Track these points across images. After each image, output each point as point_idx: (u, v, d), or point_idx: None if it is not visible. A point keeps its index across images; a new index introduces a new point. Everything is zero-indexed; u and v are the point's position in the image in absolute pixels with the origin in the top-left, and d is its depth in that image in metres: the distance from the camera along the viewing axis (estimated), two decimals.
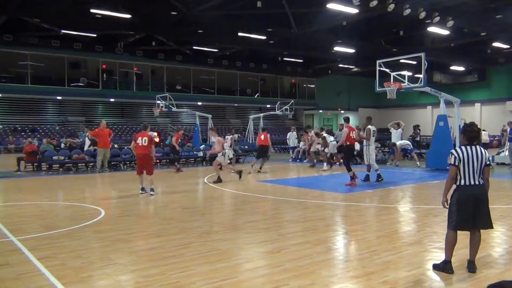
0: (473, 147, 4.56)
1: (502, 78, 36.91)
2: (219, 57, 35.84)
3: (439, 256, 4.83)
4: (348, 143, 12.12)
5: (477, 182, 4.50)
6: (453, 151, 4.61)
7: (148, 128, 11.02)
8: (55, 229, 6.74)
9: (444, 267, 4.57)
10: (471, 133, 4.60)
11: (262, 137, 15.96)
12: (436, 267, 4.65)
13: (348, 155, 12.54)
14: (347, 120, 12.97)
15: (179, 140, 18.42)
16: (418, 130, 22.66)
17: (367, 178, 12.43)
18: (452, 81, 38.83)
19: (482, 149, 4.61)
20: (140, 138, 10.37)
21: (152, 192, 10.26)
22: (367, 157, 12.34)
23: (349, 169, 11.78)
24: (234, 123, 38.86)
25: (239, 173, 13.39)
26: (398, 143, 17.95)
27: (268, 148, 15.97)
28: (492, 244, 5.78)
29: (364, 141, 12.52)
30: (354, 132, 12.31)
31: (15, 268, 4.81)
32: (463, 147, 4.58)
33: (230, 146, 13.79)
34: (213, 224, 7.29)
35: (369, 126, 12.27)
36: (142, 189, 10.37)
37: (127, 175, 15.04)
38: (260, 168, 15.69)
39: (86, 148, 17.57)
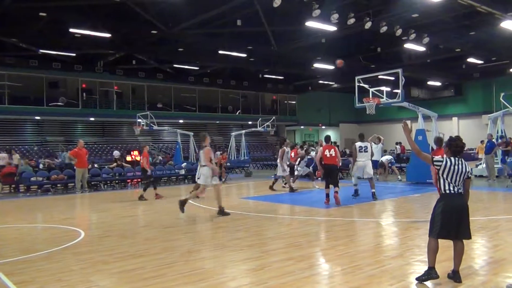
0: (457, 159, 4.76)
1: (478, 93, 37.79)
2: (200, 75, 35.89)
3: (422, 269, 4.85)
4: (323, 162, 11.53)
5: (459, 191, 4.69)
6: (440, 157, 4.92)
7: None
8: (34, 252, 6.57)
9: (428, 274, 4.65)
10: (456, 147, 4.79)
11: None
12: (419, 279, 4.69)
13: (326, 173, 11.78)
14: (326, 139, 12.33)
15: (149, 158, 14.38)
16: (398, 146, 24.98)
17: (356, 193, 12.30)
18: (429, 96, 39.59)
19: (465, 162, 4.79)
20: None
21: None
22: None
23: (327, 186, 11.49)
24: (216, 140, 38.79)
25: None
26: (385, 159, 18.34)
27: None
28: (472, 255, 5.86)
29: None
30: (332, 150, 11.43)
31: None
32: (446, 157, 4.78)
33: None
34: (195, 242, 7.20)
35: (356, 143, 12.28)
36: None
37: (108, 195, 14.80)
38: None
39: None
